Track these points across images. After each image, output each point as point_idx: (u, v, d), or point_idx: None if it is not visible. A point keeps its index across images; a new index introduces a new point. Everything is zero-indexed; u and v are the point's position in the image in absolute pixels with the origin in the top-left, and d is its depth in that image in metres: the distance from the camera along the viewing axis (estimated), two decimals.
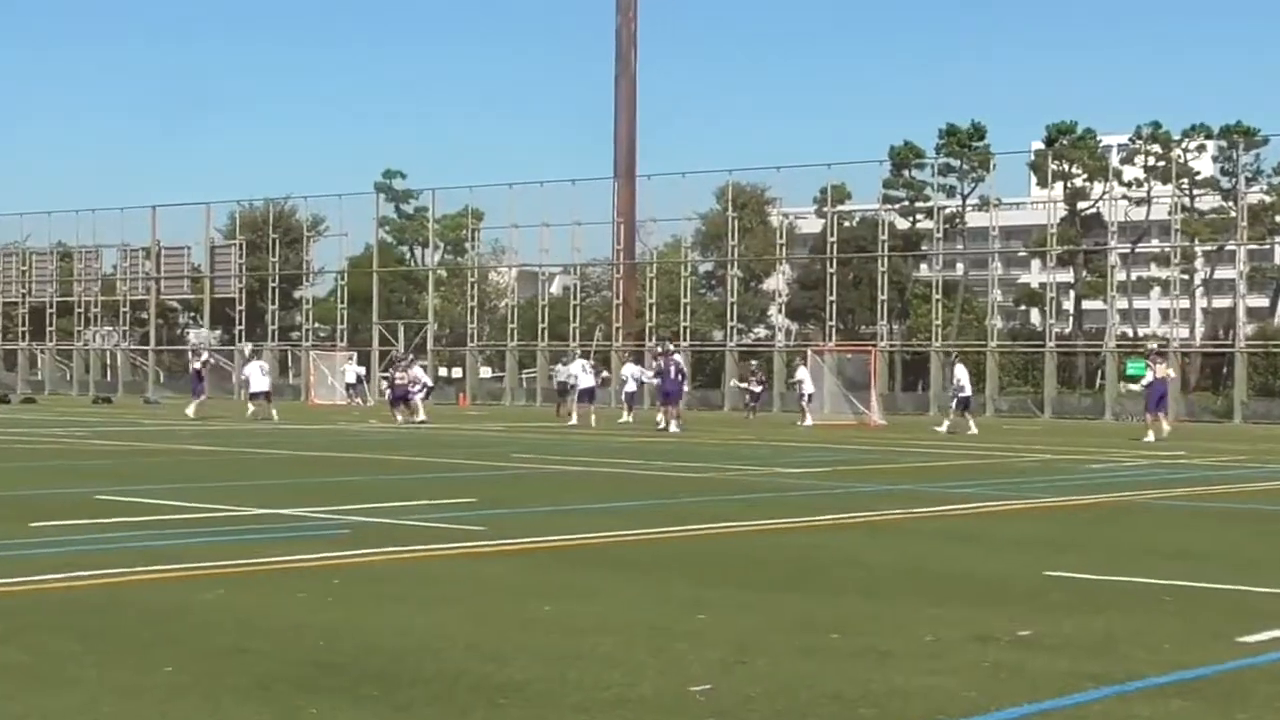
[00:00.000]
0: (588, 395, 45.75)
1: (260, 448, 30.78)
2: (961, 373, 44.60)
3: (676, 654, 8.63)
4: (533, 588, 11.23)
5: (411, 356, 54.18)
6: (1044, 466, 27.53)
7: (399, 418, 42.59)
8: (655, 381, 45.93)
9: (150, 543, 13.78)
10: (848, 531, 15.81)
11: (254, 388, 46.82)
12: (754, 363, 58.72)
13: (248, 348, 59.29)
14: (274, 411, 45.94)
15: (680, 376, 43.40)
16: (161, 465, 25.34)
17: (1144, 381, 39.27)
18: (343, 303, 79.34)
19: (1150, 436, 37.47)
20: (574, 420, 44.35)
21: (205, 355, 53.25)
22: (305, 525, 15.57)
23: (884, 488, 22.00)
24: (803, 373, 49.68)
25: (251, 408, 46.04)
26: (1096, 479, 24.55)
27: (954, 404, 43.94)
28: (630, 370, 52.77)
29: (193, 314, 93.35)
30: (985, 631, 9.45)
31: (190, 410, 45.24)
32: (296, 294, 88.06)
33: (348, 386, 69.37)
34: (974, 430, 41.67)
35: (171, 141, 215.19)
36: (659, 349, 46.24)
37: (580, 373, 46.26)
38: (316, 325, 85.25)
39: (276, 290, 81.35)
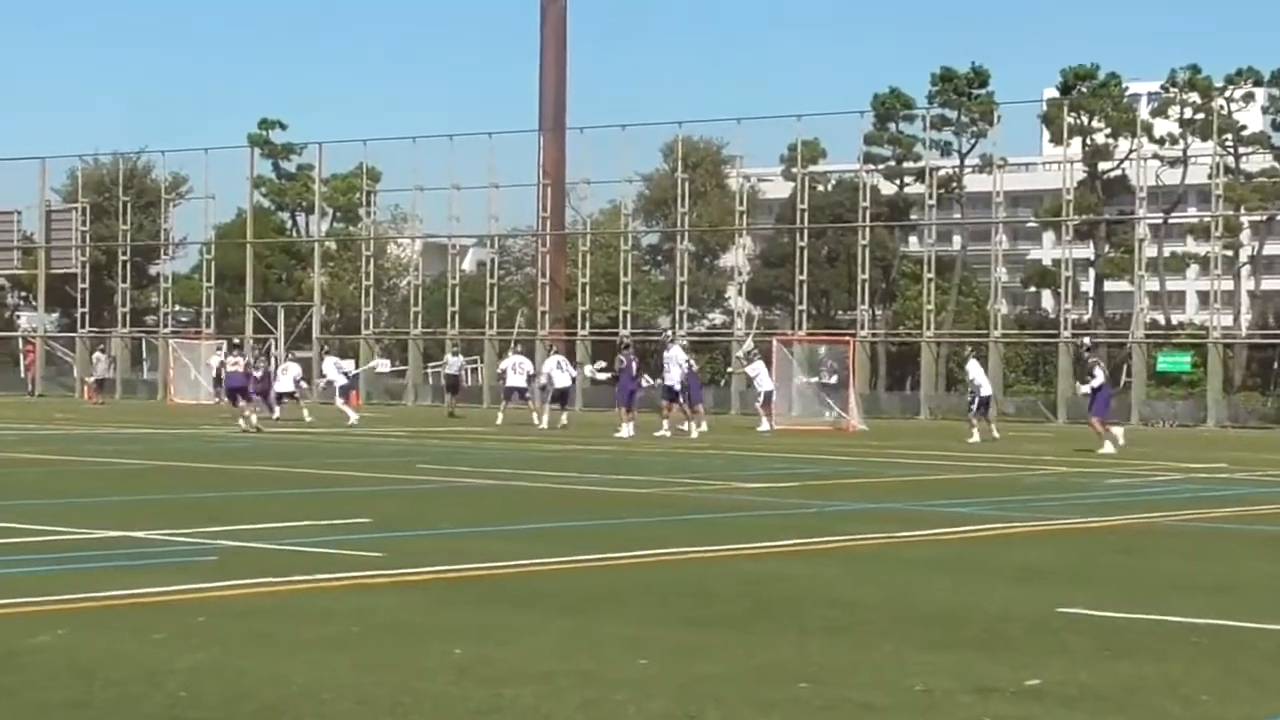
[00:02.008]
0: (561, 396, 47.36)
1: (109, 457, 30.64)
2: (976, 370, 44.94)
3: (612, 706, 8.65)
4: (439, 627, 11.22)
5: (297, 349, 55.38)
6: (1057, 481, 27.68)
7: (253, 418, 42.85)
8: (604, 378, 47.45)
9: None
10: (819, 559, 15.87)
11: (280, 387, 48.92)
12: (823, 350, 58.41)
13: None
14: (305, 412, 48.46)
15: (637, 373, 44.86)
16: None
17: (1093, 385, 39.51)
18: (209, 281, 78.97)
19: (1109, 447, 37.55)
20: (543, 424, 46.12)
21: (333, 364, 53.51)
22: (162, 551, 15.51)
23: (864, 506, 22.07)
24: (758, 367, 49.70)
25: (278, 410, 47.83)
26: (1119, 497, 24.70)
27: (974, 407, 44.03)
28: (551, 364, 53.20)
29: (24, 293, 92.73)
30: (986, 680, 9.51)
31: (353, 418, 46.43)
32: (153, 269, 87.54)
33: (216, 382, 69.11)
34: (976, 438, 41.86)
35: None
36: (623, 344, 47.84)
37: (555, 370, 47.37)
38: (178, 308, 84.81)
39: (128, 265, 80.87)
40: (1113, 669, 9.93)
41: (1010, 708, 8.80)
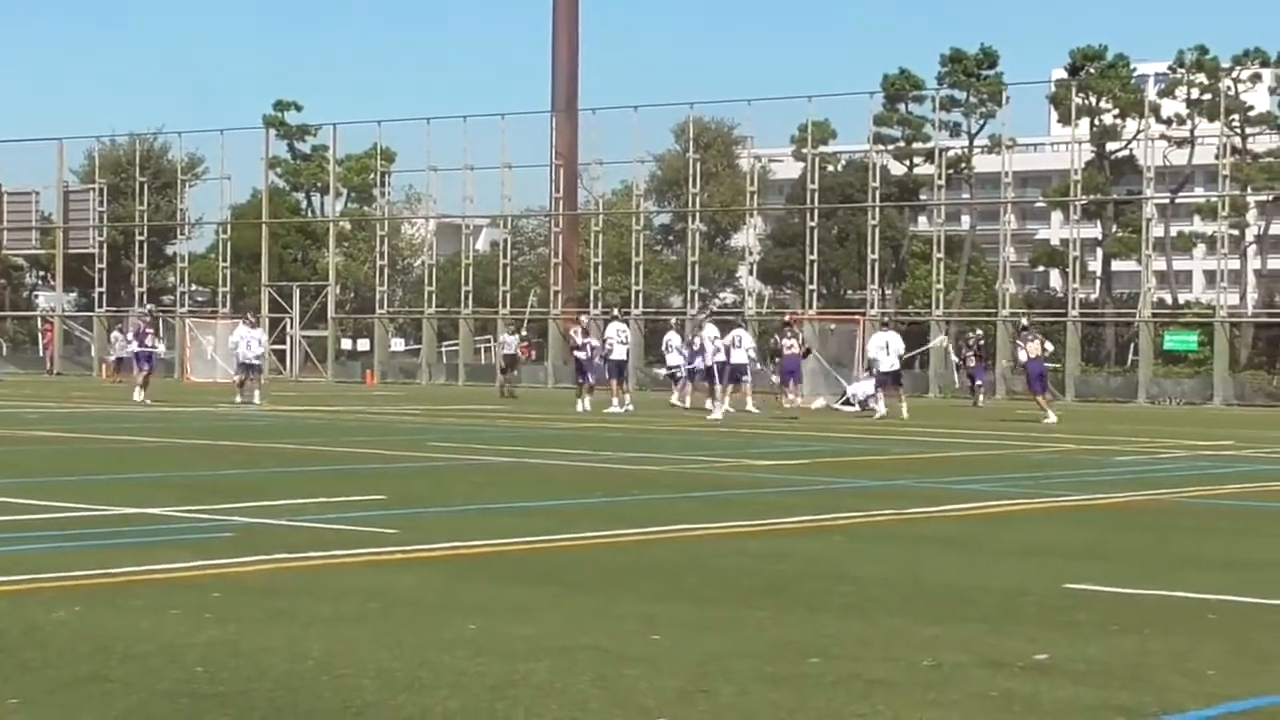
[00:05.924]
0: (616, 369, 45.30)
1: (125, 434, 30.67)
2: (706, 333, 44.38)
3: (626, 682, 8.65)
4: (454, 603, 11.23)
5: (151, 309, 55.31)
6: (1064, 458, 27.67)
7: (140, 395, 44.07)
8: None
9: None
10: (829, 536, 15.86)
11: (243, 358, 47.56)
12: (976, 333, 57.30)
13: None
14: (257, 393, 46.44)
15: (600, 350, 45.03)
16: (2, 455, 25.21)
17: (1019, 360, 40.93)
18: (225, 260, 79.04)
19: (1052, 418, 39.83)
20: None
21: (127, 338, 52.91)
22: (178, 527, 15.52)
23: (873, 484, 22.06)
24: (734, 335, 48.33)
25: (240, 392, 46.66)
26: (1127, 474, 24.69)
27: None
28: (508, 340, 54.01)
29: (42, 273, 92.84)
30: (995, 655, 9.50)
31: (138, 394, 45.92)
32: (169, 249, 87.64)
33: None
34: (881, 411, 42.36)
35: (15, 61, 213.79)
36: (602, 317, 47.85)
37: (619, 342, 45.44)
38: (194, 287, 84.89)
39: (145, 245, 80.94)
40: (1120, 644, 9.92)
41: (1019, 682, 8.79)
